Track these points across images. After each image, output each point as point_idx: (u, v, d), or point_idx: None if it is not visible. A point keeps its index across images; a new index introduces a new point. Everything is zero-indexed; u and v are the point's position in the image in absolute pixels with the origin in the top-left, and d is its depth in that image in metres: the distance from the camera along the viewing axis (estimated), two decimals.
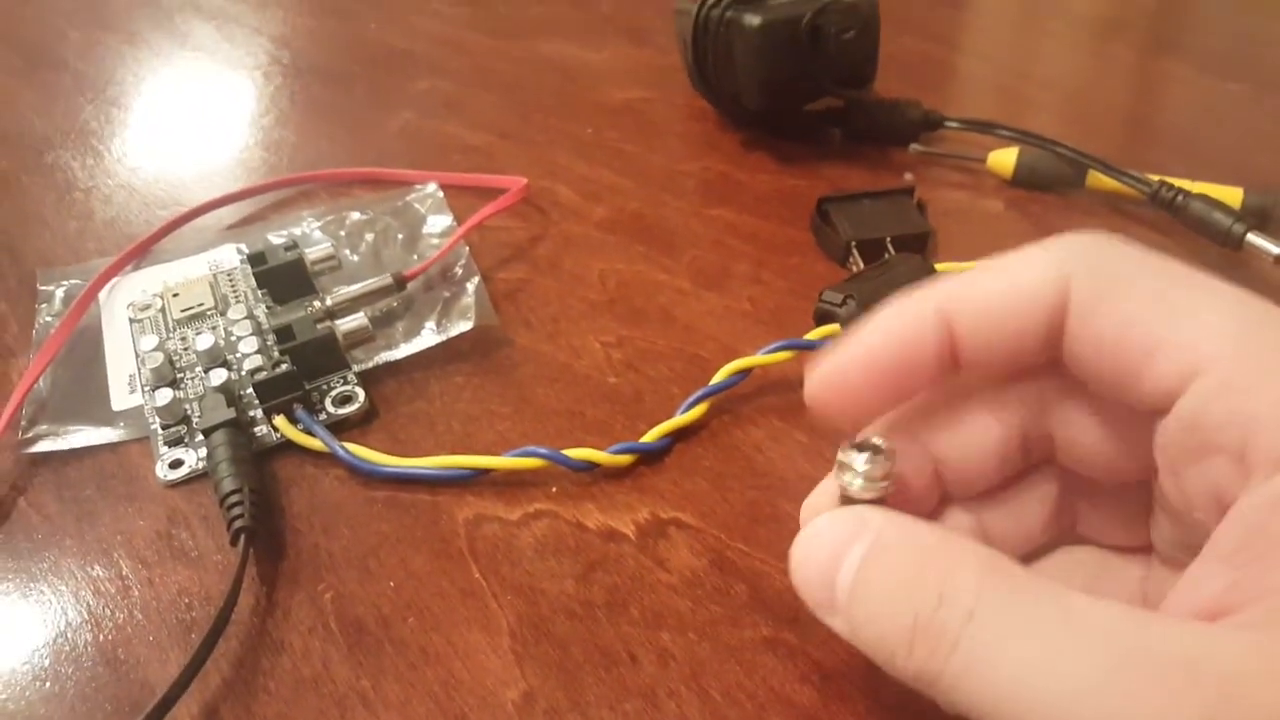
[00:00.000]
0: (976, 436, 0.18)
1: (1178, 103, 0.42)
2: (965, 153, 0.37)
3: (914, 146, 0.38)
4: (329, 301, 0.29)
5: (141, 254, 0.32)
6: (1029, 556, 0.19)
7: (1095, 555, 0.19)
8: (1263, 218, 0.33)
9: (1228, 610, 0.13)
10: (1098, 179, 0.35)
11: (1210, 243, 0.32)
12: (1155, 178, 0.34)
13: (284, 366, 0.26)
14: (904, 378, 0.17)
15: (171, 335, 0.29)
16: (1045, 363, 0.17)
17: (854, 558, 0.15)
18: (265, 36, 0.48)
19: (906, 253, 0.31)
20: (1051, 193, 0.36)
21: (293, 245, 0.30)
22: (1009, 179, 0.36)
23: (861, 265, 0.32)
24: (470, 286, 0.31)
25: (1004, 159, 0.36)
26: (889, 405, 0.18)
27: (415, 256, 0.32)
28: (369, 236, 0.33)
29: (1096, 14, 0.50)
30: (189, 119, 0.42)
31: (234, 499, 0.23)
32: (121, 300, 0.31)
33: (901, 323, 0.17)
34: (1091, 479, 0.18)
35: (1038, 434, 0.18)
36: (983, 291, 0.17)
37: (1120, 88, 0.44)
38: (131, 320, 0.30)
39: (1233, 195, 0.33)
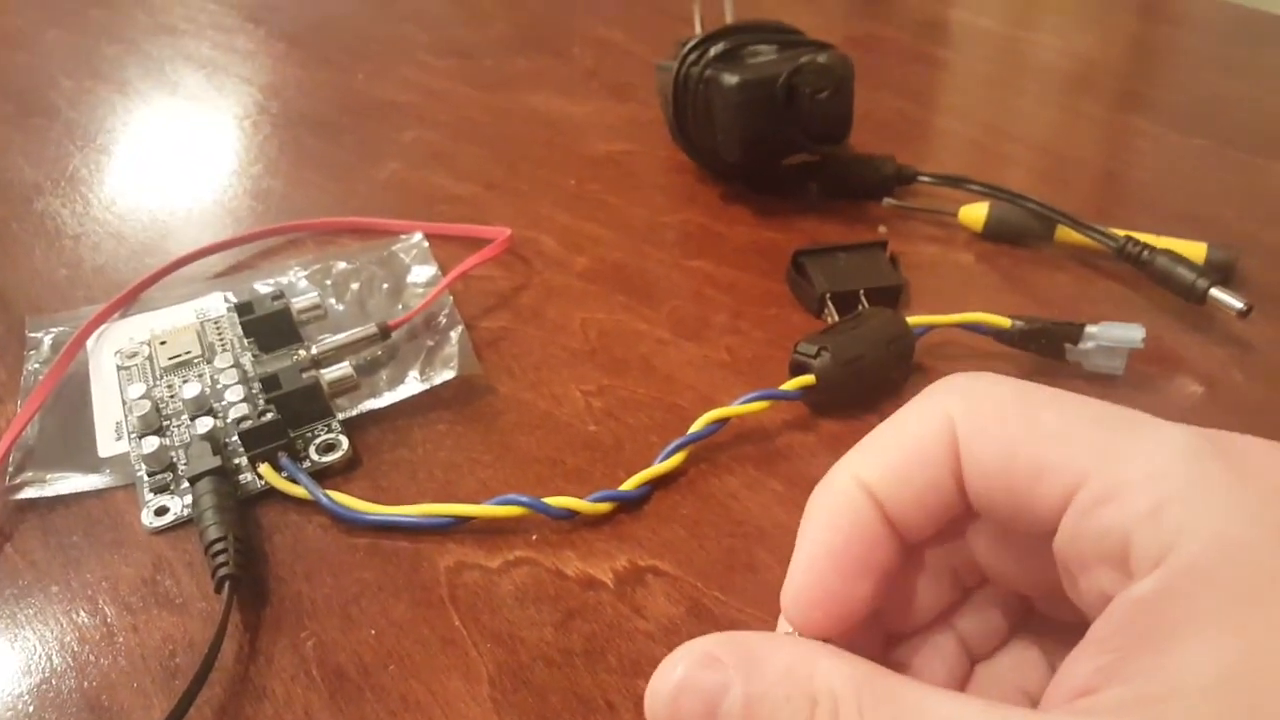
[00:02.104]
0: (910, 591, 0.18)
1: (1144, 158, 0.44)
2: (937, 206, 0.38)
3: (887, 200, 0.39)
4: (314, 350, 0.30)
5: (129, 302, 0.33)
6: (994, 648, 0.19)
7: (1050, 642, 0.19)
8: (1226, 272, 0.34)
9: (1093, 690, 0.13)
10: (1066, 233, 0.36)
11: (1175, 297, 0.33)
12: (1122, 233, 0.35)
13: (269, 415, 0.27)
14: (870, 562, 0.17)
15: (158, 383, 0.29)
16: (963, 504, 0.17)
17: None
18: (254, 86, 0.49)
19: (879, 306, 0.32)
20: (1021, 246, 0.37)
21: (279, 295, 0.31)
22: (980, 232, 0.37)
23: (836, 317, 0.33)
24: (454, 336, 0.31)
25: (975, 213, 0.37)
26: (873, 596, 0.17)
27: (400, 306, 0.33)
28: (354, 286, 0.34)
29: (1067, 71, 0.52)
30: (178, 167, 0.42)
31: (218, 546, 0.23)
32: (109, 347, 0.31)
33: (836, 514, 0.17)
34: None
35: (966, 568, 0.18)
36: (887, 455, 0.17)
37: (1089, 143, 0.46)
38: (119, 368, 0.30)
39: (1197, 250, 0.34)
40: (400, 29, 0.54)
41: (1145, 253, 0.34)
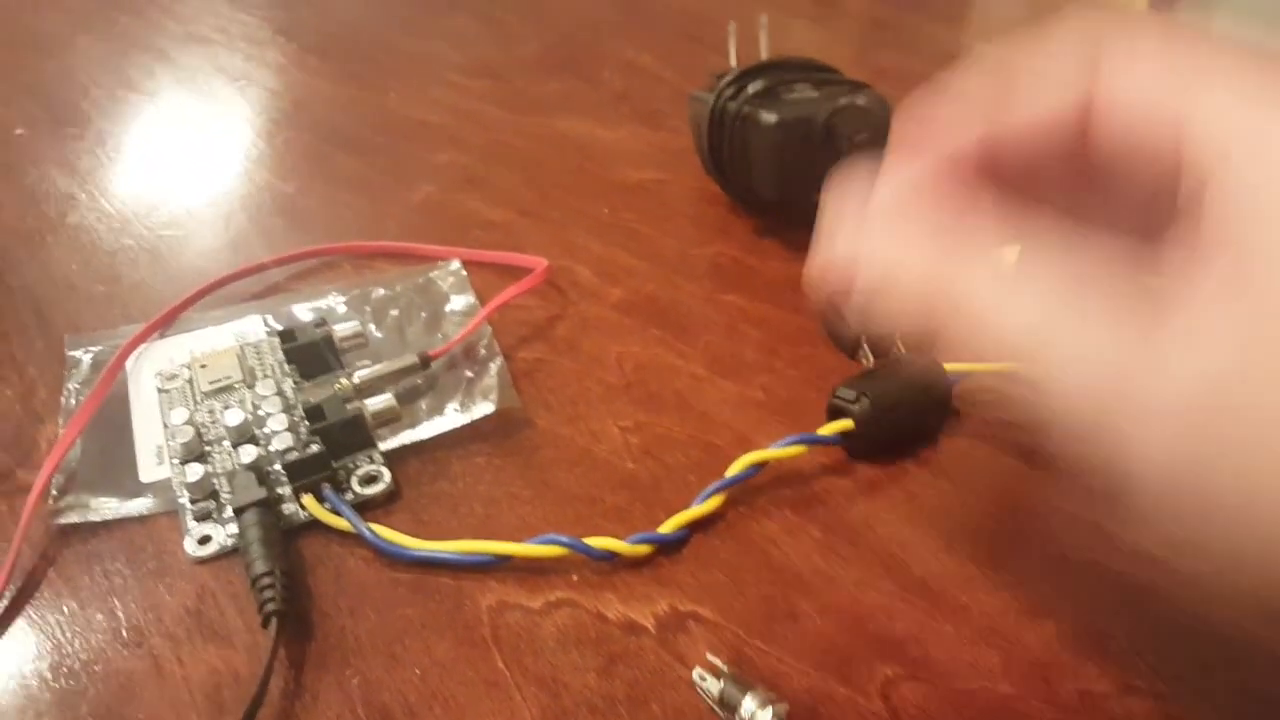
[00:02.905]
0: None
1: None
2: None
3: None
4: (356, 379, 0.30)
5: (168, 323, 0.33)
6: None
7: None
8: None
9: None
10: None
11: None
12: None
13: (314, 447, 0.27)
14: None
15: (199, 407, 0.30)
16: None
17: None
18: (287, 101, 0.49)
19: (918, 352, 0.32)
20: None
21: (321, 322, 0.31)
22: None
23: (871, 359, 0.33)
24: (493, 367, 0.32)
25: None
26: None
27: (439, 335, 0.33)
28: (393, 312, 0.34)
29: None
30: (212, 183, 0.43)
31: (265, 581, 0.23)
32: (148, 368, 0.31)
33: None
34: None
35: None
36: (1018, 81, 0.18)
37: None
38: (159, 390, 0.30)
39: None
40: (431, 47, 0.54)
41: None
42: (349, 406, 0.28)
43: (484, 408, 0.30)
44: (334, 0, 0.60)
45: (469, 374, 0.32)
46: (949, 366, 0.31)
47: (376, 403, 0.29)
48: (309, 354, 0.30)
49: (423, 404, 0.30)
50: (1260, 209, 0.14)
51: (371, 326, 0.33)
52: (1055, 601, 0.26)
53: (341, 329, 0.31)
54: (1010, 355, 0.17)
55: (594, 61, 0.53)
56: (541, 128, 0.47)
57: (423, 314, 0.34)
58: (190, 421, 0.29)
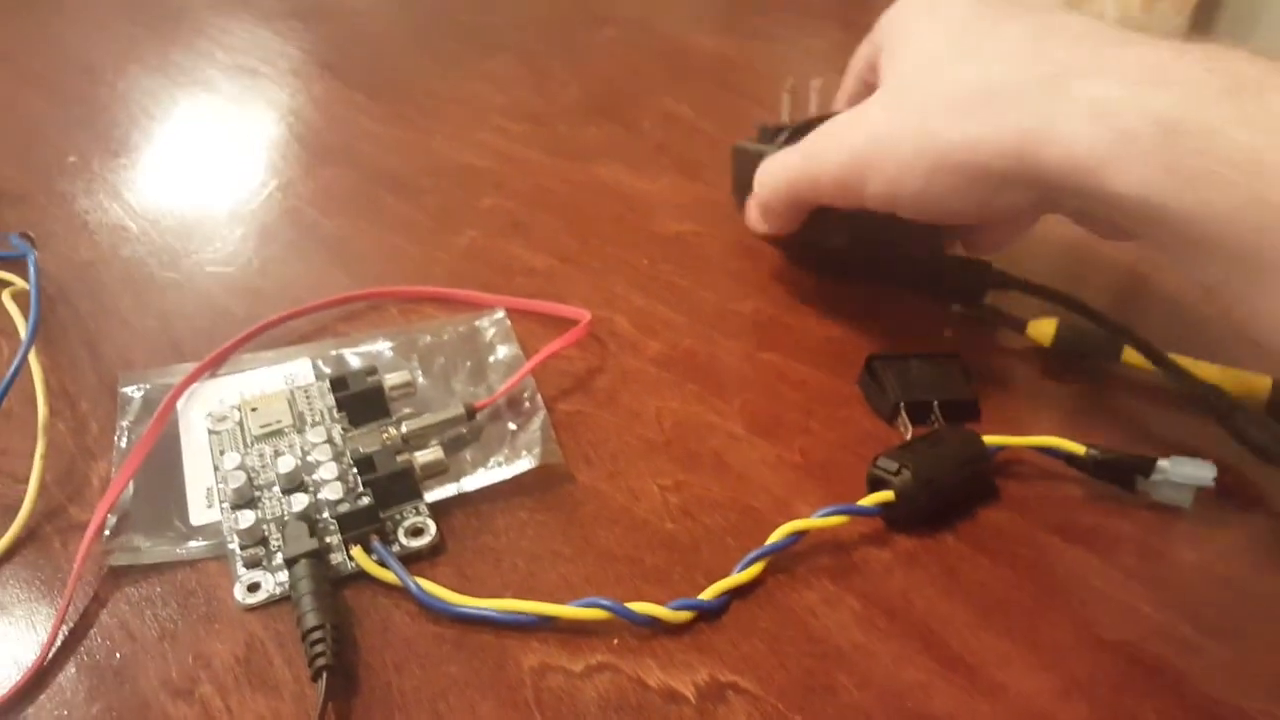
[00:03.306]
0: None
1: None
2: (1008, 314, 0.39)
3: (956, 306, 0.39)
4: (405, 429, 0.30)
5: (219, 363, 0.34)
6: None
7: None
8: None
9: None
10: (1131, 355, 0.36)
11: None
12: (1186, 361, 0.35)
13: (365, 500, 0.27)
14: None
15: (249, 450, 0.30)
16: None
17: None
18: (336, 140, 0.50)
19: (956, 424, 0.33)
20: (1089, 361, 0.37)
21: (373, 370, 0.32)
22: (1047, 346, 0.37)
23: (908, 425, 0.33)
24: (536, 421, 0.32)
25: (1044, 328, 0.37)
26: None
27: (484, 385, 0.34)
28: (440, 360, 0.34)
29: None
30: (261, 220, 0.43)
31: (316, 635, 0.24)
32: (198, 409, 0.32)
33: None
34: None
35: None
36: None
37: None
38: (210, 431, 0.31)
39: (1262, 382, 0.35)
40: (474, 89, 0.55)
41: (1218, 399, 0.34)
42: (399, 459, 0.29)
43: (527, 462, 0.30)
44: (380, 38, 0.61)
45: (513, 426, 0.32)
46: (988, 439, 0.31)
47: (425, 455, 0.29)
48: (360, 402, 0.31)
49: (467, 455, 0.31)
50: (895, 57, 0.34)
51: (419, 373, 0.34)
52: (1089, 682, 0.26)
53: (392, 378, 0.32)
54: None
55: (634, 110, 0.54)
56: (583, 174, 0.48)
57: (468, 362, 0.35)
58: (242, 466, 0.29)
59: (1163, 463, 0.30)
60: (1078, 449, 0.31)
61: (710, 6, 0.69)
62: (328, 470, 0.29)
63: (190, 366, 0.33)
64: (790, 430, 0.34)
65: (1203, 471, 0.30)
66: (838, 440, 0.33)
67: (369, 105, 0.53)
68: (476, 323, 0.36)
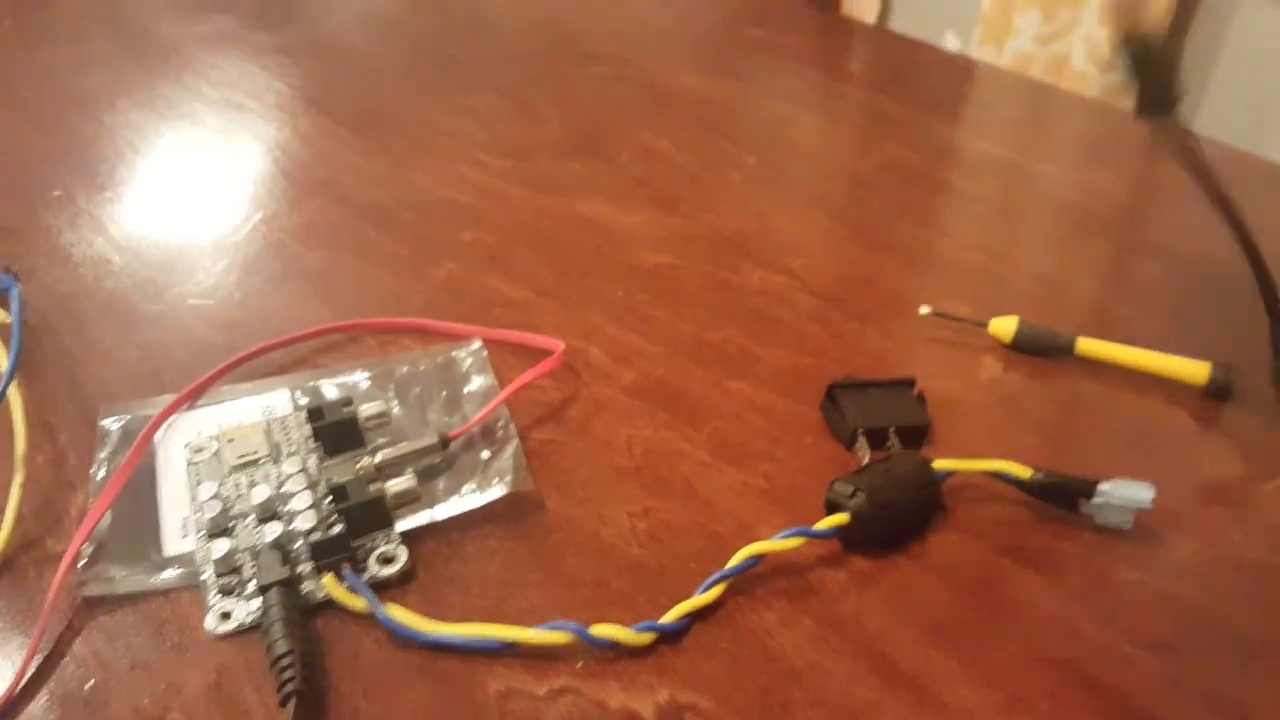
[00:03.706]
0: None
1: (1148, 295, 0.46)
2: (971, 317, 0.41)
3: (924, 308, 0.41)
4: (379, 458, 0.31)
5: (198, 395, 0.35)
6: None
7: None
8: (1225, 392, 0.38)
9: None
10: (1087, 346, 0.40)
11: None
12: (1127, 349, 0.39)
13: (337, 528, 0.28)
14: None
15: (226, 481, 0.31)
16: None
17: None
18: (321, 172, 0.51)
19: (909, 449, 0.34)
20: (1044, 358, 0.40)
21: (348, 401, 0.32)
22: (1008, 343, 0.40)
23: (866, 449, 0.34)
24: (509, 449, 0.33)
25: (1005, 325, 0.40)
26: None
27: (459, 414, 0.35)
28: (415, 390, 0.35)
29: (1076, 213, 0.54)
30: (244, 252, 0.44)
31: (286, 661, 0.25)
32: (176, 440, 0.33)
33: None
34: None
35: None
36: None
37: (1095, 278, 0.47)
38: (188, 463, 0.32)
39: (1200, 369, 0.38)
40: (458, 123, 0.56)
41: None
42: (371, 488, 0.29)
43: (499, 490, 0.31)
44: (366, 73, 0.63)
45: (485, 455, 0.33)
46: (938, 464, 0.32)
47: (397, 484, 0.30)
48: (335, 432, 0.32)
49: (440, 484, 0.32)
50: None
51: (394, 403, 0.35)
52: (1032, 699, 0.27)
53: (366, 409, 0.32)
54: None
55: (614, 145, 0.55)
56: (562, 208, 0.49)
57: (444, 392, 0.36)
58: (218, 495, 0.30)
59: (1103, 485, 0.31)
60: (1023, 473, 0.32)
61: (693, 47, 0.70)
62: (301, 499, 0.30)
63: (170, 398, 0.34)
64: (756, 457, 0.35)
65: (1141, 494, 0.31)
66: (801, 466, 0.34)
67: (353, 139, 0.54)
68: (453, 353, 0.37)
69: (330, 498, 0.30)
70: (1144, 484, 0.32)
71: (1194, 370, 0.38)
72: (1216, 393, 0.38)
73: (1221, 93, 0.65)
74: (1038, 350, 0.40)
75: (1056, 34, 1.45)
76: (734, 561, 0.29)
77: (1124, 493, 0.31)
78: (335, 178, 0.50)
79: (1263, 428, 0.37)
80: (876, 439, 0.35)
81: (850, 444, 0.35)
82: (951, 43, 0.68)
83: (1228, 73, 0.65)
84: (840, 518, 0.30)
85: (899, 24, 0.78)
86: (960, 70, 0.70)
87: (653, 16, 0.75)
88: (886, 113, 0.61)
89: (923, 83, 0.67)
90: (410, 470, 0.31)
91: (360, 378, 0.36)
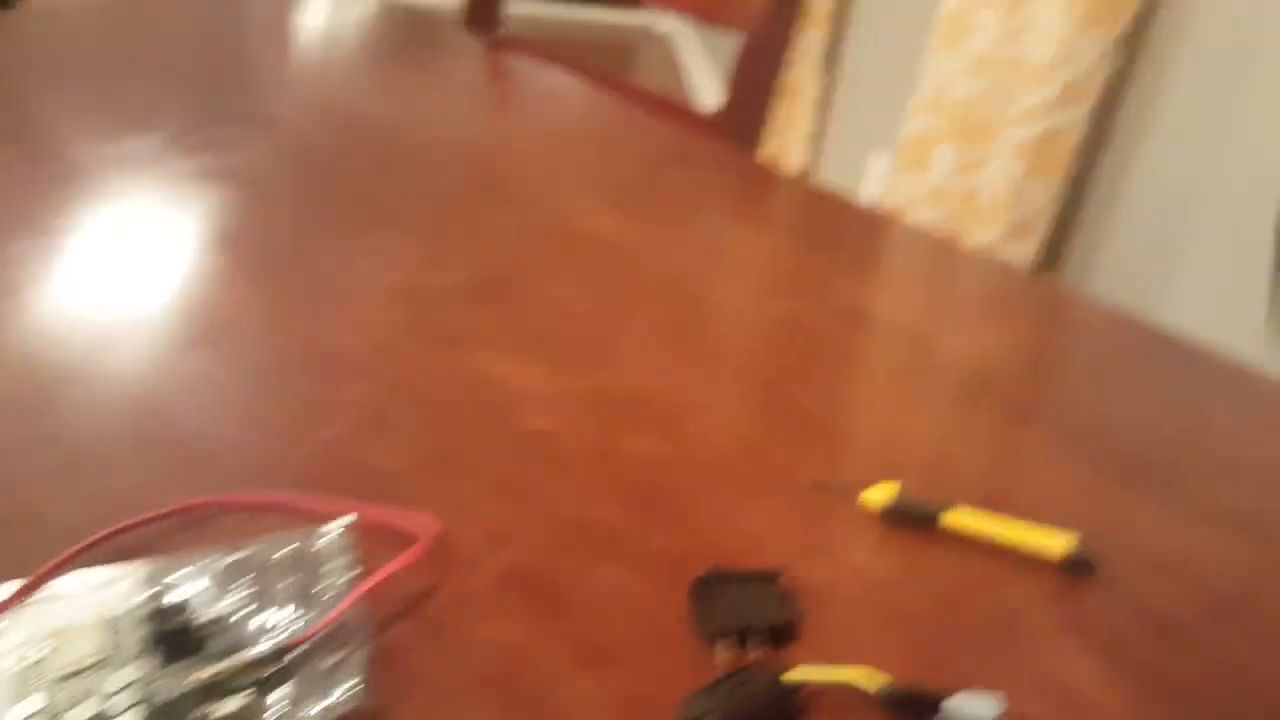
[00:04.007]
0: None
1: (1024, 471, 0.46)
2: (849, 486, 0.43)
3: (806, 480, 0.43)
4: (218, 667, 0.30)
5: (36, 587, 0.33)
6: None
7: None
8: (1083, 564, 0.40)
9: None
10: (953, 518, 0.41)
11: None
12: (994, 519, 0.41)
13: None
14: None
15: (54, 689, 0.29)
16: None
17: None
18: (215, 324, 0.50)
19: (762, 663, 0.34)
20: (917, 529, 0.41)
21: (183, 608, 0.31)
22: (881, 514, 0.42)
23: (732, 651, 0.34)
24: (355, 659, 0.32)
25: (879, 494, 0.42)
26: None
27: (315, 611, 0.34)
28: (272, 581, 0.34)
29: (965, 377, 0.55)
30: (113, 415, 0.43)
31: None
32: (5, 642, 0.31)
33: None
34: None
35: None
36: None
37: (979, 451, 0.48)
38: (10, 672, 0.30)
39: (1060, 542, 0.40)
40: (363, 265, 0.56)
41: None
42: (196, 712, 0.28)
43: (341, 706, 0.30)
44: (278, 207, 0.63)
45: (333, 660, 0.32)
46: (792, 676, 0.32)
47: (226, 707, 0.29)
48: (173, 638, 0.31)
49: (280, 693, 0.31)
50: None
51: (245, 598, 0.34)
52: None
53: (207, 612, 0.31)
54: None
55: (519, 292, 0.56)
56: (455, 362, 0.49)
57: (301, 583, 0.35)
58: (45, 712, 0.29)
59: (948, 703, 0.31)
60: (872, 686, 0.32)
61: (614, 188, 0.72)
62: (130, 717, 0.29)
63: (6, 588, 0.33)
64: (617, 659, 0.34)
65: (983, 711, 0.31)
66: (662, 670, 0.34)
67: (250, 285, 0.54)
68: (315, 538, 0.36)
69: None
70: (987, 700, 0.32)
71: (1053, 544, 0.40)
72: (1075, 569, 0.39)
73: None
74: (909, 520, 0.41)
75: (970, 168, 1.51)
76: None
77: (967, 710, 0.32)
78: (231, 327, 0.50)
79: (1118, 619, 0.38)
80: (743, 636, 0.35)
81: (712, 644, 0.35)
82: (876, 165, 0.71)
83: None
84: None
85: (828, 149, 0.81)
86: (870, 225, 0.72)
87: (577, 156, 0.76)
88: (795, 266, 0.63)
89: (833, 235, 0.68)
90: (245, 683, 0.30)
91: (211, 567, 0.35)
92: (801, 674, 0.32)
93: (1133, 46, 1.30)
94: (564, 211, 0.66)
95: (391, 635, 0.34)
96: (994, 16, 1.38)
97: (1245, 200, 1.12)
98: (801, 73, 2.13)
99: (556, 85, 0.91)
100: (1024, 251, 1.40)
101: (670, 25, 3.88)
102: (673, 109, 0.96)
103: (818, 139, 2.17)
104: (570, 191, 0.69)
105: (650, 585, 0.37)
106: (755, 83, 0.88)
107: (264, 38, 0.94)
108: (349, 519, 0.38)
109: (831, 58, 2.12)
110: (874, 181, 1.78)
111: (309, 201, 0.63)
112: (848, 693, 0.33)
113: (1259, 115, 1.12)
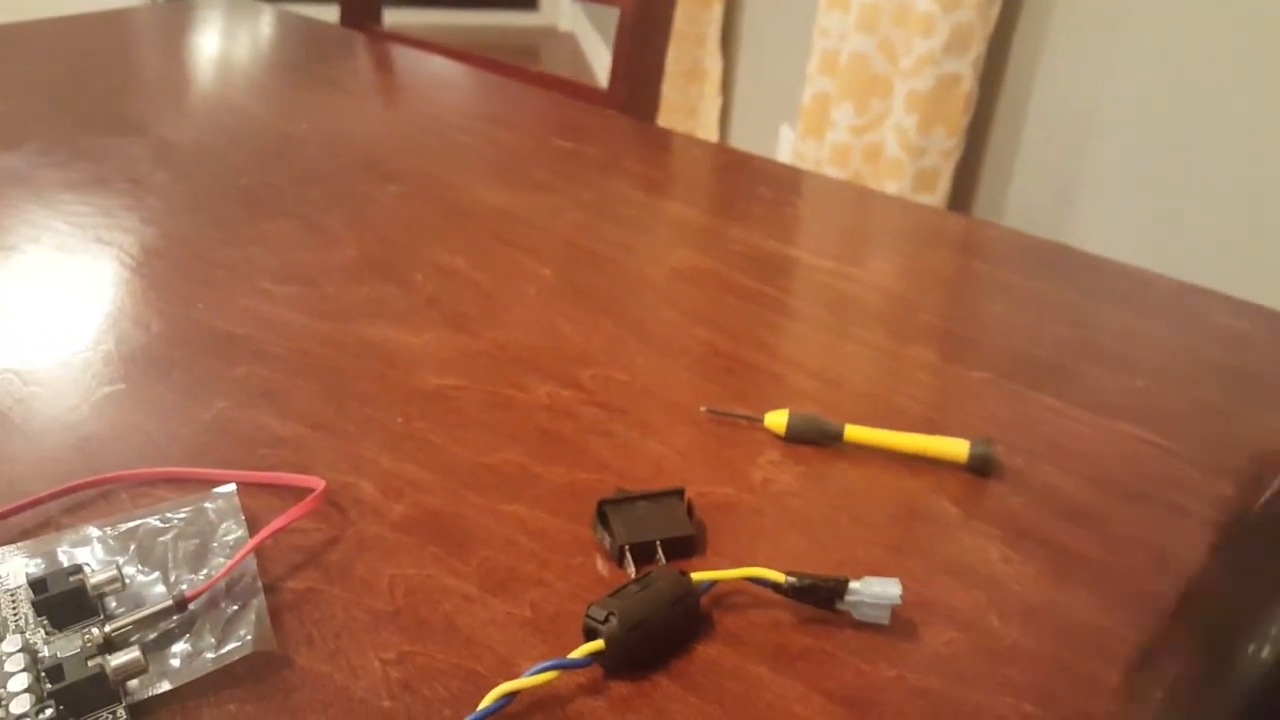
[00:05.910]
0: None
1: (924, 390, 0.48)
2: (748, 414, 0.44)
3: (705, 408, 0.43)
4: (108, 628, 0.30)
5: None
6: None
7: None
8: (986, 465, 0.41)
9: None
10: (854, 433, 0.42)
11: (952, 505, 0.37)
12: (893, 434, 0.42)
13: (49, 712, 0.27)
14: None
15: None
16: None
17: None
18: (96, 319, 0.49)
19: (679, 559, 0.34)
20: (818, 449, 0.42)
21: (77, 569, 0.31)
22: (783, 435, 0.43)
23: (634, 567, 0.35)
24: (253, 605, 0.32)
25: (778, 418, 0.43)
26: None
27: (205, 570, 0.33)
28: (160, 545, 0.34)
29: (869, 305, 0.57)
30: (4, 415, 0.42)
31: None
32: None
33: None
34: None
35: None
36: None
37: (880, 375, 0.50)
38: None
39: (960, 446, 0.41)
40: (247, 254, 0.56)
41: None
42: (90, 664, 0.28)
43: (237, 651, 0.30)
44: (155, 207, 0.62)
45: (229, 613, 0.32)
46: (697, 575, 0.33)
47: (120, 658, 0.28)
48: (61, 604, 0.30)
49: (178, 648, 0.30)
50: None
51: (137, 564, 0.33)
52: None
53: (98, 575, 0.31)
54: None
55: (408, 265, 0.56)
56: (346, 334, 0.49)
57: (192, 544, 0.34)
58: None
59: (854, 584, 0.33)
60: (778, 578, 0.33)
61: (499, 162, 0.72)
62: (18, 682, 0.28)
63: None
64: (524, 583, 0.35)
65: (889, 589, 0.32)
66: (568, 590, 0.34)
67: (134, 280, 0.53)
68: (204, 504, 0.36)
69: (48, 678, 0.28)
70: (892, 580, 0.33)
71: (955, 448, 0.41)
72: (978, 469, 0.41)
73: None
74: (810, 440, 0.42)
75: (870, 125, 1.55)
76: (485, 704, 0.29)
77: (873, 590, 0.33)
78: (114, 321, 0.49)
79: (1023, 507, 0.39)
80: (644, 554, 0.35)
81: (620, 561, 0.35)
82: (786, 136, 0.73)
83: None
84: (595, 645, 0.31)
85: (738, 125, 0.82)
86: (759, 172, 0.73)
87: (464, 134, 0.76)
88: (684, 219, 0.64)
89: (733, 187, 0.70)
90: (138, 639, 0.30)
91: (100, 538, 0.34)
92: (707, 574, 0.33)
93: None
94: (453, 186, 0.66)
95: (294, 585, 0.34)
96: None
97: (1139, 129, 1.15)
98: (703, 54, 2.17)
99: (440, 71, 0.91)
100: (931, 202, 1.44)
101: (573, 24, 3.88)
102: (563, 86, 0.97)
103: (727, 118, 2.20)
104: (458, 168, 0.69)
105: (556, 516, 0.38)
106: (639, 53, 0.89)
107: (147, 56, 0.92)
108: (237, 482, 0.37)
109: (729, 36, 2.16)
110: (785, 152, 1.81)
111: (190, 200, 0.62)
112: (757, 590, 0.34)
113: (1143, 40, 1.16)
